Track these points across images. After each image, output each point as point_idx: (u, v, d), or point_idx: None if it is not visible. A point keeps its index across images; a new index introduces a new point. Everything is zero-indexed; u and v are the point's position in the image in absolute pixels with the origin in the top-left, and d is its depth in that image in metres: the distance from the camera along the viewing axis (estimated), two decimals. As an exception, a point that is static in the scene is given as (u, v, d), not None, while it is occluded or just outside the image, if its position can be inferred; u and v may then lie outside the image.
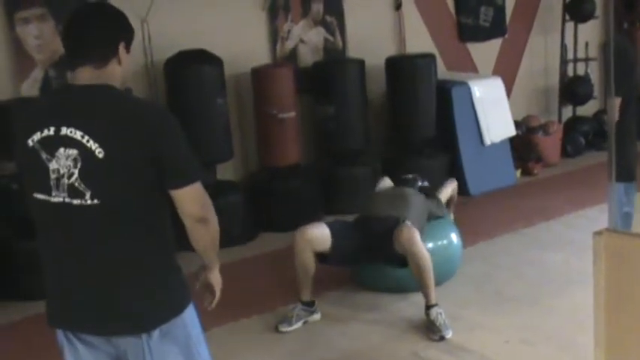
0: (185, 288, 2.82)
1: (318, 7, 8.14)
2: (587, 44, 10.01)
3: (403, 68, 8.09)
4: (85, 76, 2.70)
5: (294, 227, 7.20)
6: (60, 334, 2.80)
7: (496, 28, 9.60)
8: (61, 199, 2.63)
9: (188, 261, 3.03)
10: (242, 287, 5.94)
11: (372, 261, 5.54)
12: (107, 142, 2.58)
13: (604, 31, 10.20)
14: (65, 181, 2.61)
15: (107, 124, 2.61)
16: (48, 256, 2.77)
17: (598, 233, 2.75)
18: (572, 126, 9.81)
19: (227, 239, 7.31)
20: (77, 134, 2.59)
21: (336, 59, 8.23)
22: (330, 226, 5.37)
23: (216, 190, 7.01)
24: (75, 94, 2.72)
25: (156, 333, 2.70)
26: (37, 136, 2.65)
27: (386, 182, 6.13)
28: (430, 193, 6.08)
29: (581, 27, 9.83)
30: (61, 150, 2.61)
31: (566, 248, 6.34)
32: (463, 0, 9.29)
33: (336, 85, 7.78)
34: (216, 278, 3.01)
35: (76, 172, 2.59)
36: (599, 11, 9.72)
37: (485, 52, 9.53)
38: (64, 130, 2.61)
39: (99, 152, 2.57)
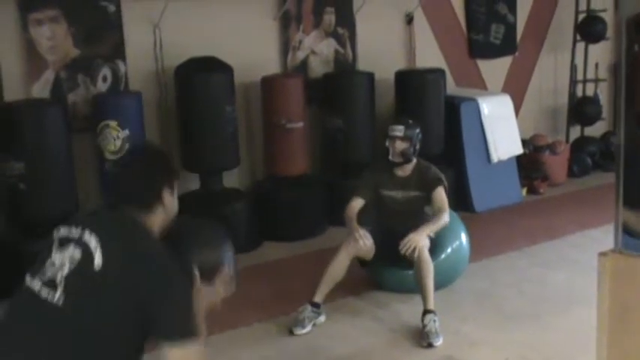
0: None
1: (329, 19, 8.15)
2: (597, 65, 10.00)
3: (412, 82, 8.08)
4: (130, 212, 2.77)
5: (298, 238, 7.27)
6: None
7: (506, 46, 9.59)
8: (34, 288, 2.63)
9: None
10: (243, 295, 5.89)
11: (388, 263, 5.74)
12: (112, 260, 2.57)
13: (615, 52, 10.19)
14: (50, 271, 2.62)
15: (120, 250, 2.62)
16: None
17: (603, 254, 2.73)
18: (579, 146, 9.79)
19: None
20: (92, 241, 2.61)
21: (346, 71, 8.23)
22: (373, 235, 5.54)
23: (221, 198, 7.03)
24: (115, 215, 2.78)
25: None
26: (63, 229, 2.72)
27: (358, 203, 5.80)
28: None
29: (592, 48, 9.83)
30: (71, 247, 2.63)
31: (569, 268, 6.33)
32: (474, 16, 9.29)
33: (346, 97, 7.78)
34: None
35: (67, 268, 2.60)
36: (610, 32, 9.70)
37: (494, 69, 9.53)
38: (86, 233, 2.64)
39: (97, 263, 2.56)
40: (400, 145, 5.68)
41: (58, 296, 2.55)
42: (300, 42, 8.00)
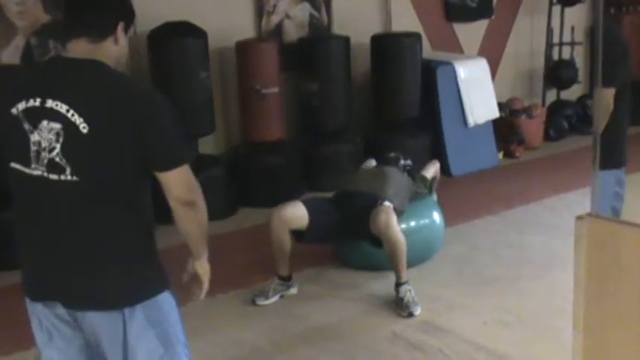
0: (162, 272, 2.81)
1: (304, -17, 8.10)
2: (573, 28, 10.01)
3: (388, 46, 8.07)
4: (78, 49, 2.67)
5: (274, 203, 7.17)
6: (32, 307, 2.79)
7: (483, 9, 9.57)
8: (39, 173, 2.60)
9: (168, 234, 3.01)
10: (220, 262, 5.86)
11: (349, 238, 5.60)
12: (93, 117, 2.54)
13: (591, 15, 10.20)
14: (45, 154, 2.58)
15: (94, 100, 2.58)
16: (23, 228, 2.75)
17: (580, 218, 2.74)
18: (555, 110, 9.83)
19: (207, 213, 7.24)
20: (62, 108, 2.55)
21: (321, 36, 8.20)
22: (307, 204, 5.41)
23: (197, 164, 6.98)
24: (65, 66, 2.68)
25: (139, 311, 2.69)
26: (21, 105, 2.60)
27: (371, 163, 6.14)
28: (413, 171, 6.09)
29: (568, 10, 9.83)
30: (45, 122, 2.57)
31: (546, 231, 6.38)
32: (451, -21, 9.27)
33: (321, 61, 7.75)
34: (203, 268, 2.97)
35: (58, 146, 2.56)
36: (586, -5, 9.73)
37: (471, 32, 9.51)
38: (50, 103, 2.57)
39: (83, 127, 2.53)
40: None
41: (69, 173, 2.57)
42: (275, 6, 7.94)
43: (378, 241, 5.26)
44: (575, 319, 2.83)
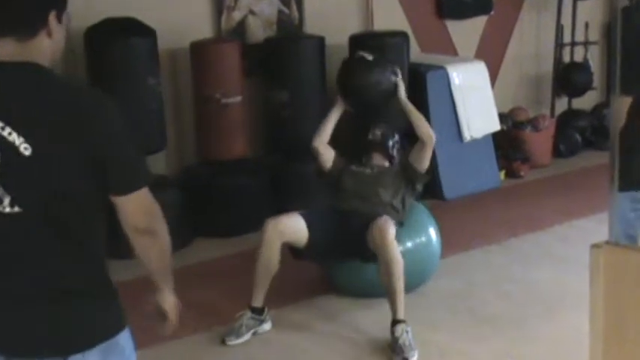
0: (120, 309, 2.77)
1: (271, -27, 8.12)
2: (587, 25, 10.08)
3: (370, 48, 8.03)
4: (6, 50, 2.56)
5: (236, 233, 7.24)
6: None
7: (480, 4, 9.60)
8: None
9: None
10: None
11: (347, 257, 5.67)
12: (35, 136, 2.47)
13: (608, 9, 10.26)
14: None
15: (35, 114, 2.50)
16: None
17: (596, 246, 2.74)
18: (566, 121, 9.88)
19: (169, 241, 7.17)
20: None
21: (292, 35, 8.22)
22: (306, 217, 5.49)
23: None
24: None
25: (94, 355, 2.63)
26: None
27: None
28: (403, 157, 6.21)
29: (581, 5, 9.90)
30: None
31: (556, 264, 6.39)
32: (443, -31, 9.31)
33: (291, 66, 7.75)
34: (169, 301, 2.96)
35: None
36: (601, -13, 9.81)
37: (466, 31, 9.56)
38: None
39: (24, 148, 2.46)
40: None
41: (7, 204, 2.50)
42: (237, 0, 7.94)
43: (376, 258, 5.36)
44: (592, 367, 2.81)
